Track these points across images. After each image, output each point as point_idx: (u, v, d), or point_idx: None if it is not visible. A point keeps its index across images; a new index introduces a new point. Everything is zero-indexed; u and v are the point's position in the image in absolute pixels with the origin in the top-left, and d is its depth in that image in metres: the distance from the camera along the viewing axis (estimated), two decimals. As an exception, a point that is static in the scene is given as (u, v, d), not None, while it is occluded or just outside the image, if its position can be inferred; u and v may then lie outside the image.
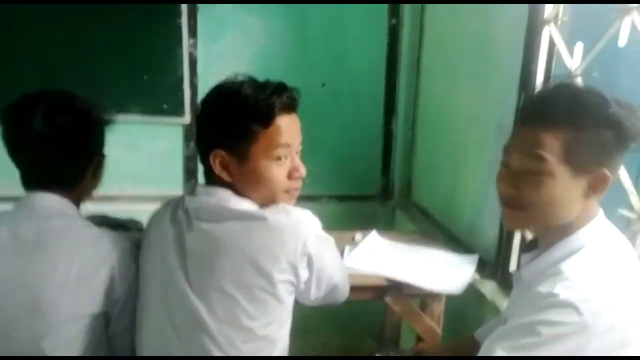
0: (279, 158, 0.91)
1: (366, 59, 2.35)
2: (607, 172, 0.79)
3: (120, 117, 2.16)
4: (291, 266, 0.87)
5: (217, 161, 0.89)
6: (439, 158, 2.06)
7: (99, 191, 2.40)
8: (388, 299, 1.42)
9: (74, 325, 0.90)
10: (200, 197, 0.92)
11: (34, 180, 0.98)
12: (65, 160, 0.98)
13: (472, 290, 1.49)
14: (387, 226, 2.38)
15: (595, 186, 0.81)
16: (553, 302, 0.75)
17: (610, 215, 1.20)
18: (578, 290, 0.75)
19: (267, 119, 0.88)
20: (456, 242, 1.77)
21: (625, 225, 1.16)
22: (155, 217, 1.01)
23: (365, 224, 1.94)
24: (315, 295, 0.97)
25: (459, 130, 1.85)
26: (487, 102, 1.65)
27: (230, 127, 0.87)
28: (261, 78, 0.99)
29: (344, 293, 1.08)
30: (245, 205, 0.90)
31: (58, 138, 0.95)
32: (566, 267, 0.80)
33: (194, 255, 0.88)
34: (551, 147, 0.79)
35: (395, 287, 1.39)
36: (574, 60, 1.33)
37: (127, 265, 0.97)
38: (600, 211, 0.86)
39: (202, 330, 0.85)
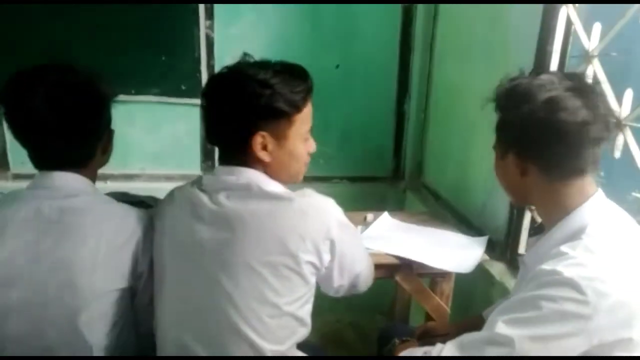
0: (306, 138, 0.99)
1: (380, 40, 2.34)
2: (515, 156, 0.85)
3: (140, 98, 2.26)
4: (315, 248, 0.89)
5: (259, 142, 0.92)
6: (450, 140, 2.06)
7: (120, 170, 2.47)
8: (398, 278, 1.45)
9: (105, 300, 0.91)
10: (225, 177, 0.93)
11: (43, 161, 0.95)
12: (73, 142, 0.93)
13: (481, 271, 1.51)
14: (398, 207, 2.41)
15: (522, 170, 0.85)
16: (556, 280, 0.75)
17: (624, 198, 1.21)
18: (581, 268, 0.76)
19: (302, 104, 0.95)
20: (466, 224, 1.79)
21: (638, 209, 1.16)
22: (171, 198, 1.01)
23: (377, 204, 1.97)
24: (338, 282, 1.00)
25: (471, 112, 1.86)
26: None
27: (272, 111, 0.91)
28: (276, 59, 1.01)
29: (366, 282, 1.12)
30: (272, 186, 0.93)
31: (64, 119, 0.90)
32: (569, 247, 0.80)
33: (220, 233, 0.89)
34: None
35: (405, 266, 1.42)
36: (591, 41, 1.32)
37: (150, 240, 0.97)
38: (599, 190, 0.86)
39: (229, 303, 0.87)
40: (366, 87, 2.37)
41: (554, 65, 1.42)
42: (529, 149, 0.84)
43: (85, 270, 0.88)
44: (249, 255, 0.87)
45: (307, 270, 0.90)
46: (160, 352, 0.96)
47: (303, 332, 0.96)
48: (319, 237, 0.90)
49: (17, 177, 2.29)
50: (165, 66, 2.21)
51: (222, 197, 0.91)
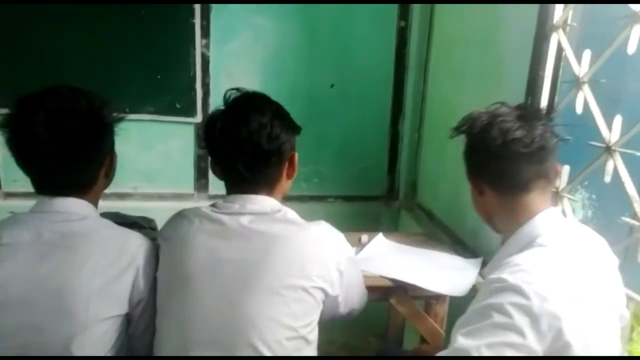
0: None
1: (375, 60, 2.37)
2: (472, 179, 0.97)
3: (134, 117, 2.25)
4: (328, 276, 0.94)
5: (289, 162, 1.02)
6: (444, 160, 2.07)
7: (113, 189, 2.45)
8: (393, 300, 1.44)
9: (101, 326, 0.89)
10: (248, 204, 0.95)
11: (45, 186, 0.95)
12: (75, 168, 0.93)
13: (475, 293, 1.50)
14: (392, 227, 2.40)
15: (480, 191, 0.96)
16: (502, 287, 0.78)
17: (613, 222, 1.21)
18: (525, 274, 0.78)
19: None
20: (461, 245, 1.78)
21: (628, 232, 1.17)
22: (183, 218, 1.00)
23: (371, 224, 1.97)
24: (338, 309, 1.03)
25: (465, 133, 1.87)
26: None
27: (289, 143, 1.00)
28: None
29: (361, 308, 1.17)
30: (292, 214, 0.98)
31: (64, 146, 0.89)
32: (518, 257, 0.84)
33: (242, 253, 0.90)
34: None
35: (400, 289, 1.41)
36: (581, 67, 1.34)
37: (150, 266, 0.95)
38: (552, 208, 0.91)
39: (249, 324, 0.87)
40: (361, 106, 2.38)
41: (545, 90, 1.44)
42: (477, 170, 0.94)
43: (81, 296, 0.87)
44: (271, 276, 0.89)
45: (320, 296, 0.93)
46: None
47: (311, 355, 0.97)
48: (332, 267, 0.94)
49: (9, 195, 2.25)
50: (159, 84, 2.22)
51: (245, 221, 0.93)
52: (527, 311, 0.75)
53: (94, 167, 0.97)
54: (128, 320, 0.96)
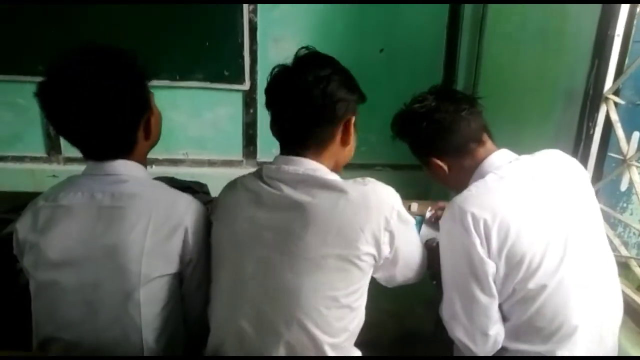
0: None
1: (426, 22, 2.27)
2: (436, 159, 1.07)
3: (184, 84, 2.29)
4: (374, 240, 0.88)
5: (345, 127, 0.96)
6: (499, 128, 1.98)
7: (165, 155, 2.53)
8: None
9: (154, 284, 0.92)
10: (287, 167, 0.92)
11: (88, 153, 0.95)
12: (108, 130, 0.91)
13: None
14: (442, 195, 2.34)
15: (448, 165, 1.07)
16: (449, 206, 0.97)
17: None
18: (467, 192, 0.96)
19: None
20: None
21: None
22: (233, 187, 1.00)
23: (420, 192, 1.93)
24: (393, 274, 0.99)
25: (522, 100, 1.77)
26: (555, 68, 1.56)
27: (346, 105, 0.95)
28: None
29: (420, 274, 1.08)
30: (332, 175, 0.92)
31: (92, 108, 0.88)
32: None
33: (282, 223, 0.88)
34: None
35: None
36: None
37: (199, 227, 0.96)
38: (498, 150, 1.04)
39: (289, 293, 0.87)
40: (411, 71, 2.31)
41: (615, 51, 1.32)
42: (439, 150, 1.05)
43: (134, 255, 0.90)
44: (310, 246, 0.86)
45: (366, 263, 0.89)
46: (215, 336, 0.96)
47: (357, 323, 0.95)
48: (379, 229, 0.88)
49: (69, 160, 2.39)
50: (208, 51, 2.23)
51: (284, 187, 0.90)
52: (465, 223, 0.92)
53: (129, 127, 0.95)
54: (180, 279, 0.99)
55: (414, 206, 1.63)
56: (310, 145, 0.93)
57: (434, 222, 1.47)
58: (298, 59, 0.94)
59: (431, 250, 1.07)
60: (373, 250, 0.89)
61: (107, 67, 0.90)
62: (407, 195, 1.08)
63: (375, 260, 0.91)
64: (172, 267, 0.94)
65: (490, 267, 0.91)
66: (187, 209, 0.96)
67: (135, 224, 0.90)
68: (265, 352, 0.87)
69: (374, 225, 0.87)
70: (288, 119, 0.92)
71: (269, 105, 0.96)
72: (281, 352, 0.86)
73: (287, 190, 0.89)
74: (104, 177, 0.94)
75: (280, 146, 0.97)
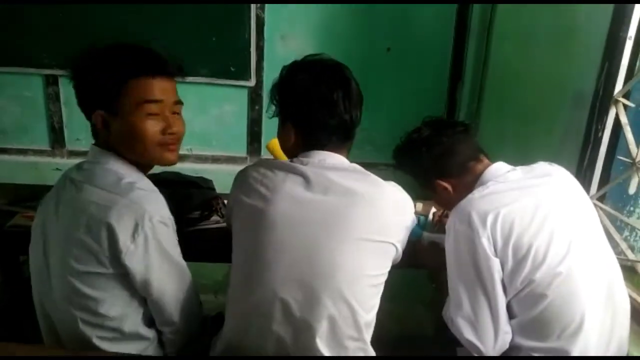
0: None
1: (434, 22, 2.26)
2: (441, 181, 1.10)
3: (190, 79, 2.28)
4: (401, 235, 1.00)
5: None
6: (506, 129, 1.97)
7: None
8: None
9: None
10: (330, 160, 0.99)
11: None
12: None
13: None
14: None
15: (452, 186, 1.11)
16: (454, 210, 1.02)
17: None
18: (470, 196, 1.00)
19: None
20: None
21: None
22: (260, 169, 1.02)
23: (423, 192, 1.92)
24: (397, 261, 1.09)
25: (529, 100, 1.76)
26: (564, 69, 1.54)
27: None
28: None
29: None
30: (365, 171, 1.02)
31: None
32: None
33: (330, 204, 0.95)
34: None
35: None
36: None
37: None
38: (496, 164, 1.07)
39: (336, 267, 0.93)
40: (417, 71, 2.30)
41: (626, 53, 1.31)
42: (442, 173, 1.10)
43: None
44: (355, 229, 0.94)
45: (393, 251, 0.99)
46: (261, 306, 0.97)
47: (378, 304, 1.02)
48: (403, 225, 1.01)
49: (72, 153, 2.38)
50: (215, 46, 2.23)
51: (331, 174, 0.97)
52: (470, 223, 0.96)
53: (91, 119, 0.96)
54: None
55: (418, 205, 1.62)
56: (342, 149, 1.03)
57: (436, 225, 1.48)
58: (326, 69, 1.00)
59: (431, 250, 1.13)
60: (396, 242, 0.99)
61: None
62: (410, 193, 1.08)
63: (397, 252, 1.00)
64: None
65: (497, 265, 0.94)
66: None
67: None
68: (311, 323, 0.93)
69: (402, 221, 1.01)
70: (330, 131, 0.99)
71: (289, 107, 1.00)
72: (324, 325, 0.93)
73: (335, 177, 0.97)
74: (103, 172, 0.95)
75: (305, 140, 1.00)
